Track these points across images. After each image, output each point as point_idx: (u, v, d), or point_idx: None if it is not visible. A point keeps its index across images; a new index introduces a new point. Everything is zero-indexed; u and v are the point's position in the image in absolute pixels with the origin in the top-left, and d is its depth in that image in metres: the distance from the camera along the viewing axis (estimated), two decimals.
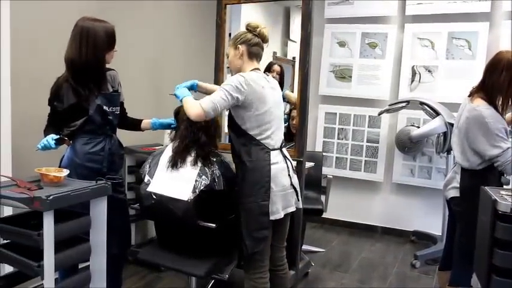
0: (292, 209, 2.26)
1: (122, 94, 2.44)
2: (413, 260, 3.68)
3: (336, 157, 4.54)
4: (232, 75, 2.26)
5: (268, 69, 4.07)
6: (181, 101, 2.21)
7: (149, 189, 2.22)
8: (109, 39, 2.21)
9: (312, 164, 3.30)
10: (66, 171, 2.03)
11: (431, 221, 4.10)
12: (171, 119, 2.50)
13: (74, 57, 2.17)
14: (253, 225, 2.11)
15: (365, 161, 4.43)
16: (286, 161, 2.22)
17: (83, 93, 2.21)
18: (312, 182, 3.60)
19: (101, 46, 2.18)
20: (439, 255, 3.28)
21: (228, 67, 2.41)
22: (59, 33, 2.68)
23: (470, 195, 2.31)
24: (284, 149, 2.26)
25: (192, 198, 2.11)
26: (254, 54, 2.23)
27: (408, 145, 4.09)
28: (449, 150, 3.71)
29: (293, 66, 5.72)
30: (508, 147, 2.29)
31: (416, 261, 3.64)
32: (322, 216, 3.72)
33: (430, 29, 4.09)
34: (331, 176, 3.82)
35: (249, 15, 5.08)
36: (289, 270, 2.42)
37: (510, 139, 2.34)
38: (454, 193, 2.51)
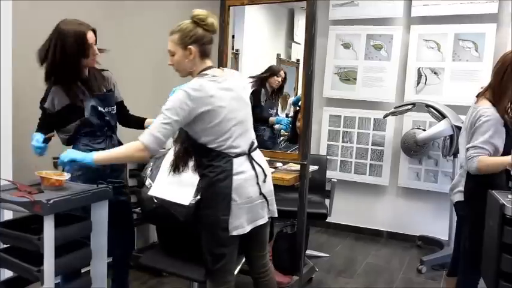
0: (263, 221, 2.08)
1: (118, 93, 2.45)
2: (419, 265, 3.66)
3: (341, 160, 4.53)
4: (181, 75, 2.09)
5: (272, 75, 4.07)
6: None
7: (150, 193, 2.22)
8: (79, 46, 2.16)
9: (316, 167, 3.30)
10: (67, 175, 2.03)
11: (438, 225, 4.08)
12: None
13: (41, 58, 2.17)
14: (212, 241, 1.98)
15: (370, 164, 4.42)
16: (254, 168, 2.02)
17: (72, 94, 2.21)
18: (316, 186, 3.59)
19: (70, 52, 2.15)
20: (446, 260, 3.27)
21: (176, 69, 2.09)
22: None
23: (475, 199, 2.30)
24: (255, 153, 2.08)
25: (193, 202, 2.10)
26: (207, 53, 2.01)
27: (414, 148, 4.08)
28: (455, 153, 3.70)
29: (297, 68, 5.73)
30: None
31: (422, 267, 3.62)
32: (327, 220, 3.71)
33: (436, 30, 4.09)
34: (335, 180, 3.82)
35: (253, 16, 5.10)
36: (273, 276, 2.28)
37: None
38: (459, 197, 2.50)
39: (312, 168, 3.09)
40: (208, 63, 2.03)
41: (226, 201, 1.93)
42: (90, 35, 2.21)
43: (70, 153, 2.00)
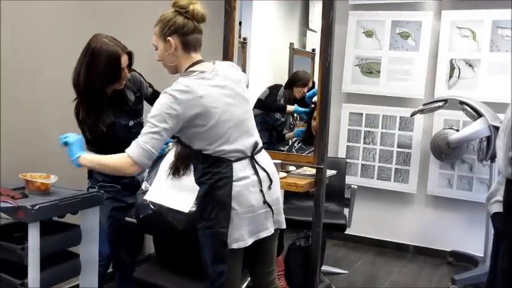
0: (267, 233, 2.05)
1: (146, 89, 2.58)
2: (450, 284, 3.66)
3: (362, 164, 4.53)
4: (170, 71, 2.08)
5: (301, 85, 4.11)
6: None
7: (146, 197, 2.24)
8: (112, 69, 2.27)
9: (333, 172, 3.30)
10: (54, 178, 2.07)
11: (472, 239, 4.06)
12: None
13: (74, 80, 2.30)
14: (211, 256, 1.97)
15: (395, 169, 4.42)
16: (258, 173, 1.99)
17: (96, 120, 2.33)
18: (334, 193, 3.60)
19: (100, 75, 2.26)
20: (481, 279, 3.26)
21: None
22: (57, 33, 2.75)
23: None
24: (260, 155, 2.05)
25: (194, 210, 2.12)
26: (191, 45, 1.96)
27: (446, 151, 4.07)
28: (493, 158, 3.68)
29: (313, 59, 5.74)
30: None
31: (454, 287, 3.61)
32: (345, 232, 3.72)
33: (471, 16, 4.07)
34: (355, 186, 3.82)
35: (262, 1, 5.10)
36: None
37: None
38: (497, 208, 2.49)
39: (329, 172, 3.10)
40: (196, 57, 1.99)
41: (225, 211, 1.92)
42: (124, 59, 2.30)
43: (70, 138, 2.01)
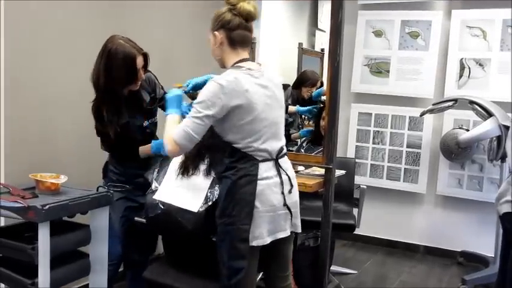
0: (284, 234, 2.09)
1: (160, 89, 2.60)
2: (461, 284, 3.64)
3: (371, 164, 4.52)
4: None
5: (309, 85, 4.09)
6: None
7: (156, 197, 2.25)
8: (127, 71, 2.31)
9: (342, 172, 3.29)
10: (64, 178, 2.08)
11: (482, 240, 4.04)
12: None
13: (93, 82, 2.35)
14: (230, 252, 1.99)
15: (405, 169, 4.40)
16: (280, 176, 2.06)
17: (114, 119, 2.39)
18: (343, 193, 3.59)
19: (116, 76, 2.30)
20: (492, 280, 3.23)
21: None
22: (59, 33, 2.77)
23: None
24: (283, 160, 2.11)
25: (203, 209, 2.13)
26: (237, 42, 2.03)
27: (455, 151, 4.05)
28: (503, 158, 3.66)
29: (321, 59, 5.71)
30: None
31: (464, 287, 3.59)
32: (355, 232, 3.71)
33: (482, 15, 4.04)
34: (364, 186, 3.81)
35: (271, 1, 5.09)
36: None
37: None
38: (507, 208, 2.48)
39: (338, 172, 3.09)
40: (243, 54, 2.06)
41: (248, 209, 1.96)
42: (139, 60, 2.34)
43: (169, 93, 2.15)
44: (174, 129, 1.94)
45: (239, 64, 2.03)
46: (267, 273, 2.24)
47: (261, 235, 1.99)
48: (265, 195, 1.99)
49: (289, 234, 2.12)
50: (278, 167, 2.06)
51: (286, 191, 2.07)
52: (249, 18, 2.02)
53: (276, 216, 2.04)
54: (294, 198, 2.14)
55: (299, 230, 2.18)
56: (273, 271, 2.21)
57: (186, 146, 1.93)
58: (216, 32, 2.02)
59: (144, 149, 2.47)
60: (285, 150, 2.14)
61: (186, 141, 1.91)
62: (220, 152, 2.05)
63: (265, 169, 2.01)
